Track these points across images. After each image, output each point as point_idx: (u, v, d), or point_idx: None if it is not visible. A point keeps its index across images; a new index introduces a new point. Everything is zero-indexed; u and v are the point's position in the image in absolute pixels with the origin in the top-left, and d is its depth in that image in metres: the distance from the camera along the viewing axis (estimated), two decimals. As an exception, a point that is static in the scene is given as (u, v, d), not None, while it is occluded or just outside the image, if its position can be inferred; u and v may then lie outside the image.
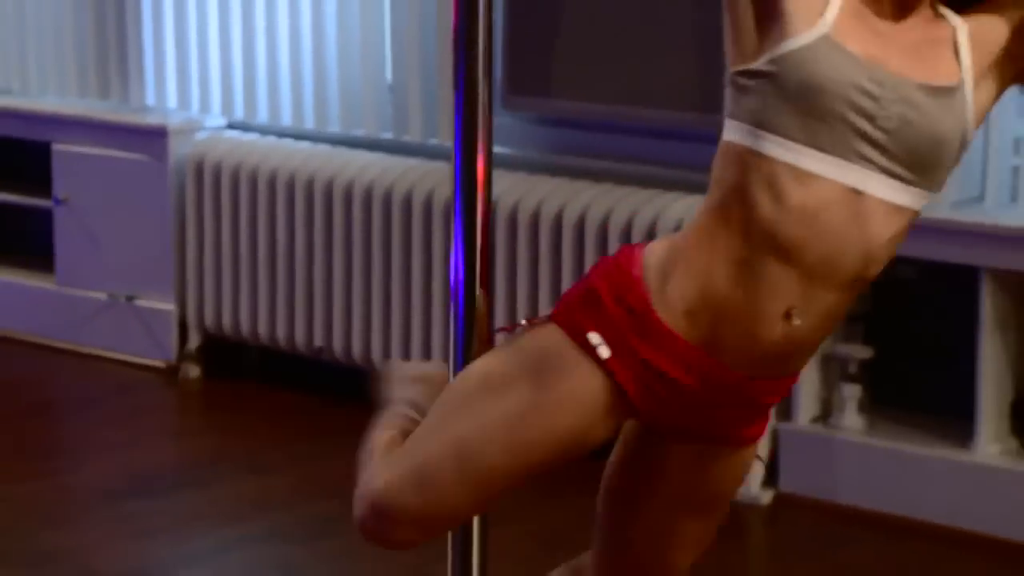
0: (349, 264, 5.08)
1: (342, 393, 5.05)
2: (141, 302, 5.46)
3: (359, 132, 5.21)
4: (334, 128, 5.24)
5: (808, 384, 4.41)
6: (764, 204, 2.32)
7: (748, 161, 2.35)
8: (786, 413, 4.41)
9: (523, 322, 2.53)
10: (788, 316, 2.32)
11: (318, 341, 5.11)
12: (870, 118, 2.28)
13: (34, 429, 5.02)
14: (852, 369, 4.38)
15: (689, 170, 4.65)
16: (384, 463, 2.54)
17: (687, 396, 2.39)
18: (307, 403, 5.13)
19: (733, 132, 2.40)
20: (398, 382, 2.82)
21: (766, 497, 4.38)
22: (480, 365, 2.52)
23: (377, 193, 4.99)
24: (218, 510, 4.35)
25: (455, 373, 2.60)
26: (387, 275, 4.98)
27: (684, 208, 4.51)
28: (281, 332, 5.18)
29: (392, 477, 2.48)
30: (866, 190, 2.31)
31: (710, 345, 2.38)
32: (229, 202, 5.25)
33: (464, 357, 2.59)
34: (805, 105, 2.31)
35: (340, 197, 5.05)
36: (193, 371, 5.36)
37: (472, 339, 2.60)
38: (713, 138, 4.77)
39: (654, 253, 2.43)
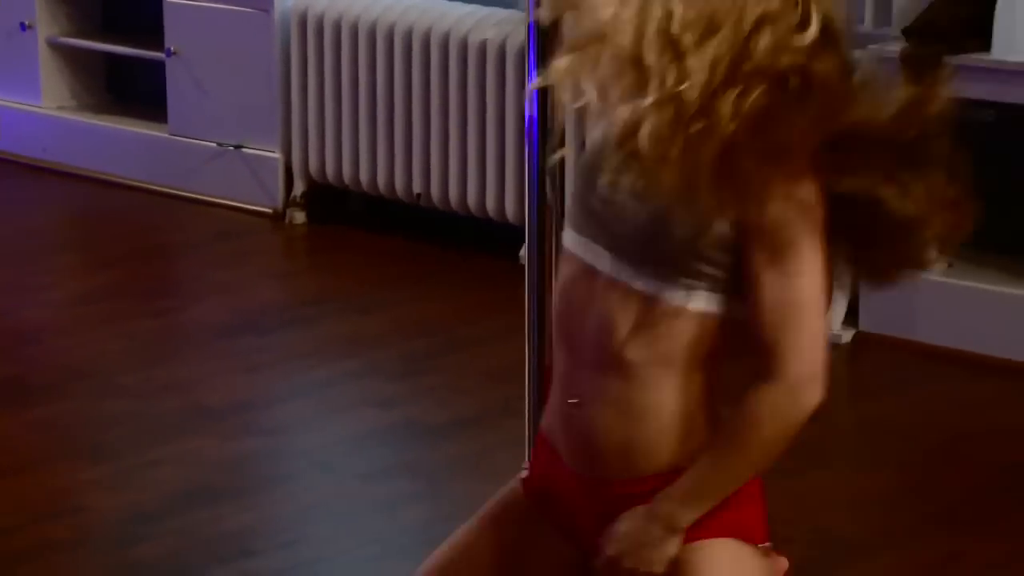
0: (445, 112, 5.06)
1: (439, 238, 5.09)
2: (249, 150, 5.48)
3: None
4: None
5: (888, 227, 4.37)
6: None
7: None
8: (867, 256, 4.39)
9: None
10: (568, 401, 2.30)
11: (417, 188, 5.12)
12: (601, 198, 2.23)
13: (147, 270, 5.09)
14: (932, 211, 4.34)
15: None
16: None
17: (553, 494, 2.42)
18: (405, 247, 5.15)
19: None
20: None
21: (847, 336, 4.37)
22: None
23: (473, 42, 4.96)
24: (320, 347, 4.41)
25: (529, 211, 2.62)
26: (482, 123, 4.98)
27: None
28: (382, 179, 5.20)
29: None
30: (598, 267, 2.23)
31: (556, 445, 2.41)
32: (332, 53, 5.25)
33: (539, 198, 2.61)
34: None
35: (437, 47, 5.03)
36: (298, 216, 5.38)
37: (543, 179, 2.61)
38: None
39: None
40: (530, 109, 2.64)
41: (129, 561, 3.25)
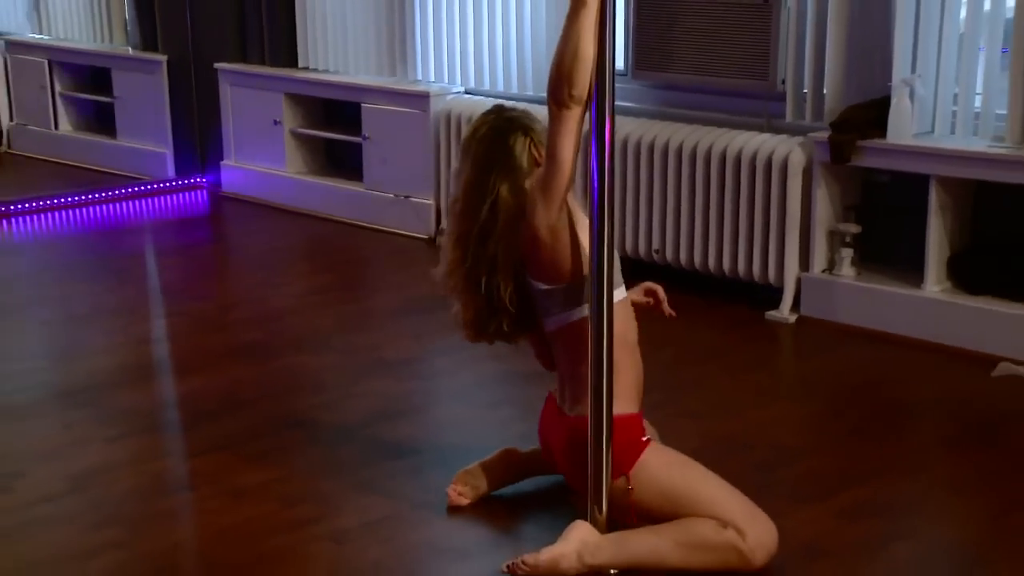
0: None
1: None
2: (414, 199, 5.50)
3: (542, 92, 5.13)
4: (528, 90, 5.17)
5: (819, 248, 4.34)
6: None
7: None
8: (806, 266, 4.35)
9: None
10: None
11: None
12: None
13: (349, 273, 5.08)
14: (847, 239, 4.31)
15: (747, 116, 4.62)
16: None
17: None
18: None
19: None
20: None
21: (792, 318, 4.34)
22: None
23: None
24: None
25: (594, 243, 2.64)
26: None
27: (743, 140, 4.44)
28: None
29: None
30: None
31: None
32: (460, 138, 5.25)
33: (599, 226, 2.61)
34: None
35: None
36: (441, 239, 5.35)
37: (604, 215, 2.62)
38: (760, 95, 4.72)
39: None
40: (594, 175, 2.63)
41: (336, 458, 3.28)
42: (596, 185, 2.60)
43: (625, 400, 2.68)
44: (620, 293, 2.68)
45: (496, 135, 2.75)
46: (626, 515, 2.65)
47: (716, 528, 2.57)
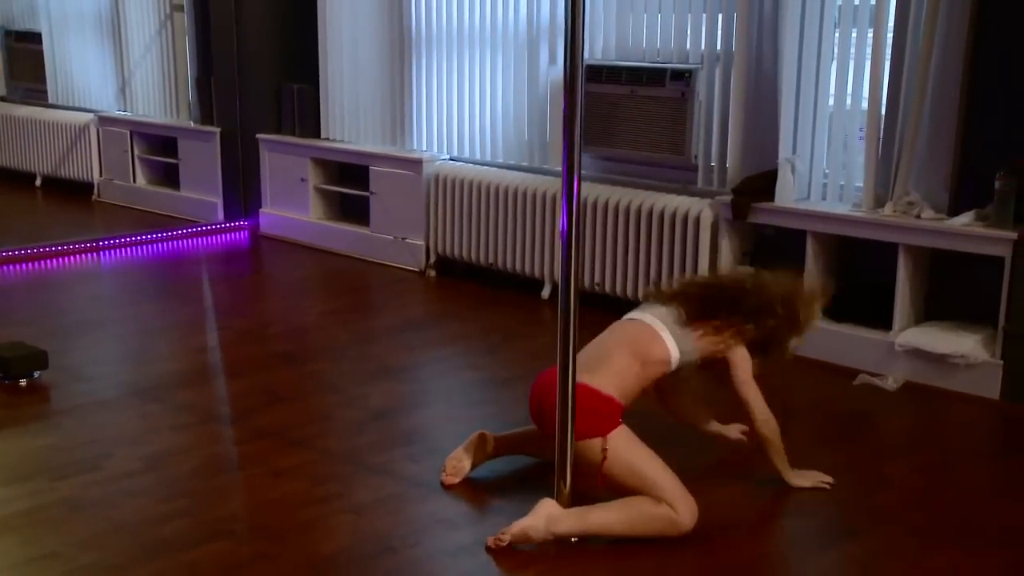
0: (509, 222, 4.96)
1: (505, 288, 5.00)
2: (409, 240, 5.40)
3: (511, 160, 5.08)
4: (499, 158, 5.10)
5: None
6: None
7: None
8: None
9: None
10: None
11: (491, 259, 5.05)
12: None
13: (356, 299, 4.97)
14: (742, 277, 4.26)
15: (668, 182, 4.56)
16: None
17: None
18: (485, 291, 5.01)
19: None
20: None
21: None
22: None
23: (524, 193, 4.86)
24: (445, 336, 4.29)
25: (564, 280, 2.52)
26: (531, 227, 4.88)
27: (666, 200, 4.39)
28: (472, 254, 5.11)
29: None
30: None
31: None
32: (449, 195, 5.17)
33: (568, 270, 2.50)
34: None
35: (501, 195, 4.94)
36: (431, 273, 5.27)
37: (573, 253, 2.51)
38: (678, 166, 4.67)
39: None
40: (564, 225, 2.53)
41: (353, 445, 3.17)
42: (565, 228, 2.51)
43: (616, 391, 2.60)
44: (652, 320, 2.75)
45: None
46: (595, 474, 2.56)
47: (653, 504, 2.50)
